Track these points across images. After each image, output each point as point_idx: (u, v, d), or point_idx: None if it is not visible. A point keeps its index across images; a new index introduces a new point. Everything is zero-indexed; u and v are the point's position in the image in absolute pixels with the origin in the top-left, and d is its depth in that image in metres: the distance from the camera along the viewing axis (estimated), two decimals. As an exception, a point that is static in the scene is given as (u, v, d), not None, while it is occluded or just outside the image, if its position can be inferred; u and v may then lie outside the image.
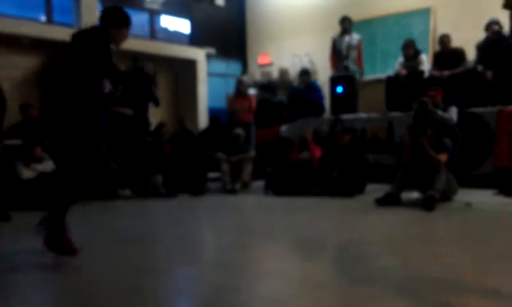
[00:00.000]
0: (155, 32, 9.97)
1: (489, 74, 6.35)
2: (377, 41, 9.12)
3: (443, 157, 4.98)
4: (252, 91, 9.21)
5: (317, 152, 6.46)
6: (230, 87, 9.38)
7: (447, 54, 7.05)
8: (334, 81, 8.01)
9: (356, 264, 2.97)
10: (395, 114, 6.96)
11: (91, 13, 8.44)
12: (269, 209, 5.50)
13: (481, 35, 6.77)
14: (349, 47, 8.14)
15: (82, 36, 3.22)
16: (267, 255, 3.39)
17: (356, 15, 8.47)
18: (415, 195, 5.30)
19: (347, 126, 6.58)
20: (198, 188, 6.57)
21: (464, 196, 5.21)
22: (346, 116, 7.38)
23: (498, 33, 6.58)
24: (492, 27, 6.57)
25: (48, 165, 5.96)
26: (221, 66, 11.04)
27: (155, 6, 9.84)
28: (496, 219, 4.42)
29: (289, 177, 6.37)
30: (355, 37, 8.19)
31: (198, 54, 10.27)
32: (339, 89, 7.91)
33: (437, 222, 4.35)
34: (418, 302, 2.27)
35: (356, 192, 5.93)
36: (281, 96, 9.54)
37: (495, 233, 3.81)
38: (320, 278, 2.70)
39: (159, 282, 2.71)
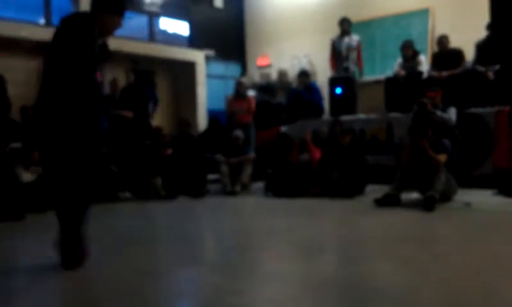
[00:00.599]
0: (154, 34, 9.99)
1: (490, 73, 6.34)
2: (376, 42, 9.14)
3: (442, 158, 5.00)
4: (251, 93, 9.23)
5: (317, 153, 6.47)
6: (229, 89, 9.40)
7: (446, 55, 7.06)
8: (333, 82, 8.02)
9: (356, 265, 2.97)
10: (394, 114, 6.98)
11: (90, 15, 8.45)
12: (269, 210, 5.50)
13: (479, 36, 6.78)
14: (349, 48, 8.15)
15: (67, 25, 2.88)
16: (268, 257, 3.39)
17: (354, 16, 8.49)
18: (414, 196, 5.31)
19: (346, 127, 6.59)
20: (197, 191, 6.57)
21: (464, 196, 5.22)
22: (345, 117, 7.39)
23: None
24: None
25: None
26: (220, 68, 11.06)
27: (154, 9, 9.86)
28: (496, 219, 4.42)
29: (289, 178, 6.38)
30: (354, 38, 8.20)
31: (197, 56, 10.29)
32: (338, 90, 7.92)
33: (437, 222, 4.35)
34: (420, 304, 2.27)
35: (355, 193, 5.93)
36: (281, 98, 9.55)
37: (494, 233, 3.82)
38: (321, 279, 2.71)
39: (159, 284, 2.72)
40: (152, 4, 9.77)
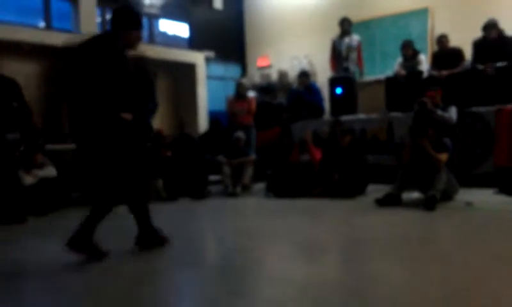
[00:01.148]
0: (154, 36, 9.99)
1: (490, 69, 6.33)
2: (375, 42, 9.13)
3: (443, 157, 5.00)
4: (252, 94, 9.22)
5: (317, 154, 6.47)
6: (230, 90, 9.39)
7: (445, 54, 7.06)
8: (333, 82, 8.02)
9: (358, 265, 2.98)
10: (394, 114, 6.97)
11: (90, 18, 8.46)
12: (270, 211, 5.51)
13: (478, 34, 6.77)
14: (349, 48, 8.14)
15: (92, 44, 3.02)
16: (269, 257, 3.40)
17: (354, 16, 8.48)
18: (415, 195, 5.31)
19: (346, 127, 6.59)
20: (199, 192, 6.57)
21: (465, 195, 5.22)
22: (346, 117, 7.39)
23: (500, 35, 6.62)
24: (490, 30, 6.58)
25: (49, 171, 5.98)
26: (220, 69, 11.06)
27: (153, 11, 9.86)
28: (497, 218, 4.42)
29: (290, 179, 6.38)
30: (355, 38, 8.19)
31: (197, 58, 10.29)
32: (338, 91, 7.91)
33: (438, 222, 4.35)
34: (421, 303, 2.27)
35: (356, 193, 5.94)
36: (281, 98, 9.55)
37: (496, 232, 3.82)
38: (322, 280, 2.71)
39: (160, 285, 2.72)
40: (151, 6, 9.77)
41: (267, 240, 3.96)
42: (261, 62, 10.98)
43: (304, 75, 8.34)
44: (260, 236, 4.15)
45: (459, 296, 2.33)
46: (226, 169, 6.86)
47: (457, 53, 6.95)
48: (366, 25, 9.06)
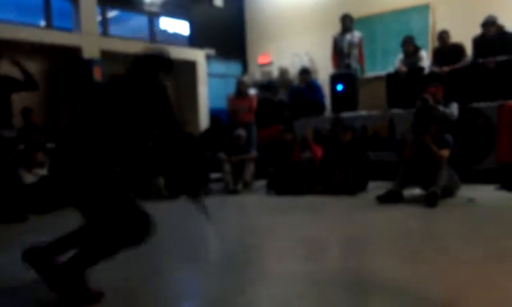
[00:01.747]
0: (154, 34, 9.99)
1: (491, 63, 6.30)
2: (376, 38, 9.11)
3: (445, 153, 4.98)
4: (252, 91, 9.22)
5: (318, 151, 6.47)
6: (231, 87, 9.39)
7: (447, 50, 7.04)
8: (334, 79, 8.00)
9: (360, 261, 2.97)
10: (396, 111, 6.96)
11: (90, 17, 8.46)
12: (271, 209, 5.50)
13: (479, 30, 6.75)
14: (351, 44, 8.12)
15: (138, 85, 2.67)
16: (271, 255, 3.39)
17: (355, 13, 8.46)
18: (417, 192, 5.30)
19: (346, 124, 6.57)
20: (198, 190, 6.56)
21: (467, 191, 5.21)
22: (347, 114, 7.37)
23: (499, 31, 6.60)
24: (489, 27, 6.56)
25: (50, 170, 5.98)
26: (221, 66, 11.06)
27: (154, 9, 9.85)
28: (499, 214, 4.41)
29: (291, 176, 6.37)
30: (356, 35, 8.17)
31: (198, 55, 10.29)
32: (339, 87, 7.90)
33: (440, 218, 4.34)
34: (423, 299, 2.27)
35: (358, 190, 5.93)
36: (282, 96, 9.54)
37: (498, 228, 3.81)
38: (324, 277, 2.70)
39: (163, 283, 2.72)
40: (152, 4, 9.76)
41: (268, 237, 3.95)
42: (262, 60, 10.97)
43: (305, 72, 8.32)
44: (261, 233, 4.15)
45: (461, 291, 2.32)
46: (227, 167, 6.85)
47: (459, 49, 6.93)
48: (367, 22, 9.04)
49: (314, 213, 4.96)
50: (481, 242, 3.34)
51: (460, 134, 6.02)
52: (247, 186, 6.86)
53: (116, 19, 9.61)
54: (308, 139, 6.62)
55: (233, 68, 11.27)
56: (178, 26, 10.50)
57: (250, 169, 6.90)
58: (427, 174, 4.99)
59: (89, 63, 8.14)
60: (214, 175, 7.31)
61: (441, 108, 5.78)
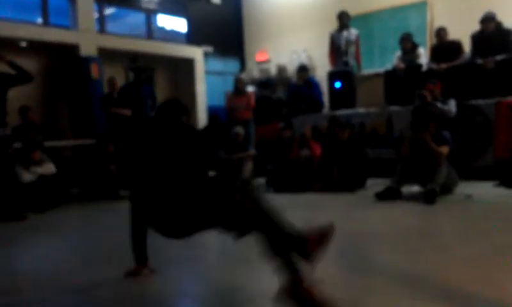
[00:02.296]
0: (152, 31, 9.96)
1: (490, 63, 6.32)
2: (374, 35, 9.11)
3: (444, 150, 4.99)
4: (250, 89, 9.21)
5: (317, 149, 6.47)
6: (228, 85, 9.38)
7: (445, 47, 7.04)
8: (332, 76, 8.00)
9: (359, 258, 2.98)
10: (394, 108, 6.96)
11: (87, 14, 8.43)
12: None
13: (477, 27, 6.75)
14: (348, 42, 8.13)
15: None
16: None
17: (353, 10, 8.46)
18: (415, 189, 5.31)
19: (344, 121, 6.56)
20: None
21: (465, 188, 5.22)
22: (345, 111, 7.37)
23: (497, 27, 6.60)
24: (488, 24, 6.57)
25: (48, 168, 5.97)
26: (218, 64, 11.04)
27: (151, 6, 9.83)
28: (497, 210, 4.42)
29: (290, 174, 6.38)
30: (353, 32, 8.18)
31: (196, 53, 10.27)
32: (337, 85, 7.90)
33: (438, 215, 4.35)
34: (421, 295, 2.27)
35: (356, 187, 5.94)
36: (280, 93, 9.54)
37: (496, 224, 3.81)
38: (323, 273, 2.70)
39: (161, 281, 2.72)
40: (149, 1, 9.74)
41: (267, 234, 3.94)
42: (260, 57, 10.95)
43: (303, 70, 8.32)
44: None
45: (459, 288, 2.33)
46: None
47: (456, 46, 6.94)
48: (365, 19, 9.03)
49: (313, 211, 4.96)
50: (479, 239, 3.35)
51: (458, 131, 6.03)
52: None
53: (113, 16, 9.58)
54: (307, 136, 6.61)
55: (231, 65, 11.26)
56: (176, 23, 10.48)
57: (249, 166, 6.90)
58: (425, 171, 4.99)
59: (87, 61, 8.12)
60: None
61: (439, 105, 5.79)
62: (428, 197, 4.69)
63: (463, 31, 6.97)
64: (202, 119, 10.13)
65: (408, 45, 7.35)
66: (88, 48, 8.25)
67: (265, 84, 9.93)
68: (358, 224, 4.16)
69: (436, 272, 2.59)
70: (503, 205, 4.63)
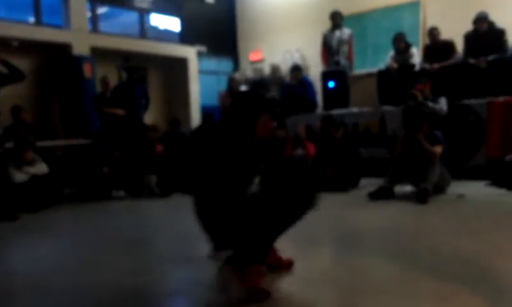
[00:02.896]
0: (145, 31, 9.94)
1: (482, 62, 6.35)
2: (367, 35, 9.13)
3: (438, 149, 5.00)
4: (244, 88, 9.20)
5: (311, 149, 6.46)
6: (222, 84, 9.38)
7: (437, 47, 7.07)
8: (325, 76, 8.01)
9: (352, 258, 2.98)
10: (387, 107, 6.98)
11: (80, 13, 8.40)
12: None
13: (470, 27, 6.79)
14: (340, 41, 8.14)
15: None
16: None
17: (346, 9, 8.48)
18: (408, 188, 5.32)
19: (337, 121, 6.55)
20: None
21: (457, 187, 5.24)
22: (338, 111, 7.38)
23: (490, 27, 6.65)
24: (480, 24, 6.60)
25: (40, 168, 5.94)
26: (212, 63, 11.03)
27: (144, 5, 9.80)
28: (489, 210, 4.44)
29: (283, 174, 6.36)
30: (346, 32, 8.19)
31: (189, 52, 10.25)
32: (331, 84, 7.91)
33: (430, 214, 4.37)
34: (415, 294, 2.28)
35: (350, 187, 5.94)
36: (274, 93, 9.54)
37: (488, 224, 3.84)
38: (318, 273, 2.71)
39: (157, 282, 2.71)
40: (142, 0, 9.71)
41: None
42: (253, 57, 10.95)
43: (296, 69, 8.32)
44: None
45: (450, 287, 2.34)
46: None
47: (449, 45, 6.97)
48: (358, 18, 9.05)
49: (306, 210, 4.95)
50: (471, 238, 3.36)
51: (450, 131, 6.05)
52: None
53: (106, 15, 9.54)
54: (302, 136, 6.61)
55: (225, 64, 11.25)
56: (169, 23, 10.45)
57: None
58: (417, 171, 5.01)
59: (79, 60, 8.08)
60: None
61: (430, 104, 5.81)
62: (420, 197, 4.71)
63: (455, 31, 7.00)
64: (196, 118, 10.11)
65: (401, 45, 7.37)
66: (80, 47, 8.21)
67: (259, 83, 9.92)
68: (350, 224, 4.17)
69: (429, 272, 2.60)
70: (495, 204, 4.66)
